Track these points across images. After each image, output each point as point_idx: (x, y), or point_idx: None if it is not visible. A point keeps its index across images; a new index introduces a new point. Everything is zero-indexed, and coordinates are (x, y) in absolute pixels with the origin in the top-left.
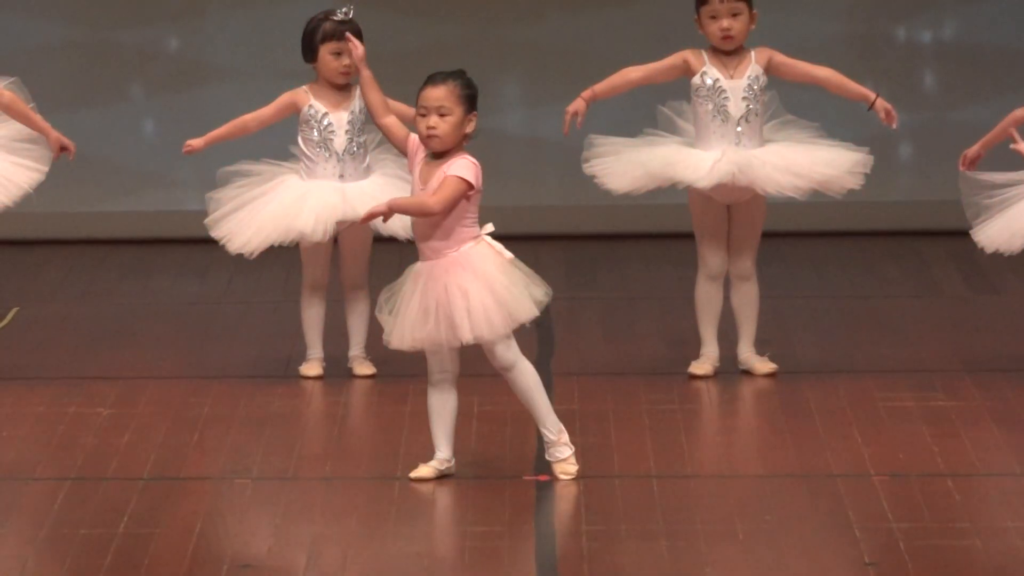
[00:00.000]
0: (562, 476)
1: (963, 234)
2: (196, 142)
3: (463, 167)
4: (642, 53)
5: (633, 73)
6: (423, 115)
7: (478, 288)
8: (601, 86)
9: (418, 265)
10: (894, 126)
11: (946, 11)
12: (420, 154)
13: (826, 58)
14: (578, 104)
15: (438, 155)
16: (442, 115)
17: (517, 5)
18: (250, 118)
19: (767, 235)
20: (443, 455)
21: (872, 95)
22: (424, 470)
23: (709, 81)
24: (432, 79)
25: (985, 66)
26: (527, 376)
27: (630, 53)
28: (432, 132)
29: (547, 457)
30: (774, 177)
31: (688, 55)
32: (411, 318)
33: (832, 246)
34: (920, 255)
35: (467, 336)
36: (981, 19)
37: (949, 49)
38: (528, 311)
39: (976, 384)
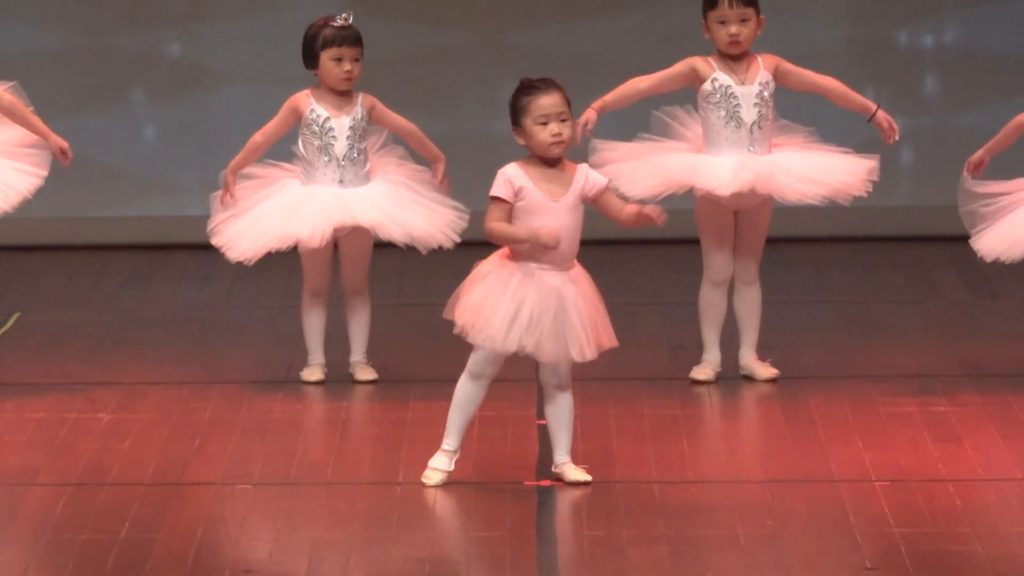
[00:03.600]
0: (579, 478)
1: (964, 239)
2: (229, 181)
3: (596, 174)
4: (642, 59)
5: (642, 83)
6: (544, 123)
7: (587, 308)
8: (610, 97)
9: (526, 269)
10: (893, 139)
11: (947, 16)
12: (520, 180)
13: (827, 62)
14: (589, 115)
15: (552, 163)
16: (563, 120)
17: (518, 11)
18: (259, 136)
19: (768, 240)
20: (453, 445)
21: (873, 106)
22: (436, 476)
23: (721, 87)
24: (542, 87)
25: (987, 71)
26: (572, 401)
27: (631, 59)
28: (559, 139)
29: (556, 469)
30: (795, 186)
31: (696, 62)
32: (520, 324)
33: (833, 251)
34: (921, 260)
35: (578, 356)
36: (983, 24)
37: (950, 54)
38: (613, 339)
39: (977, 389)
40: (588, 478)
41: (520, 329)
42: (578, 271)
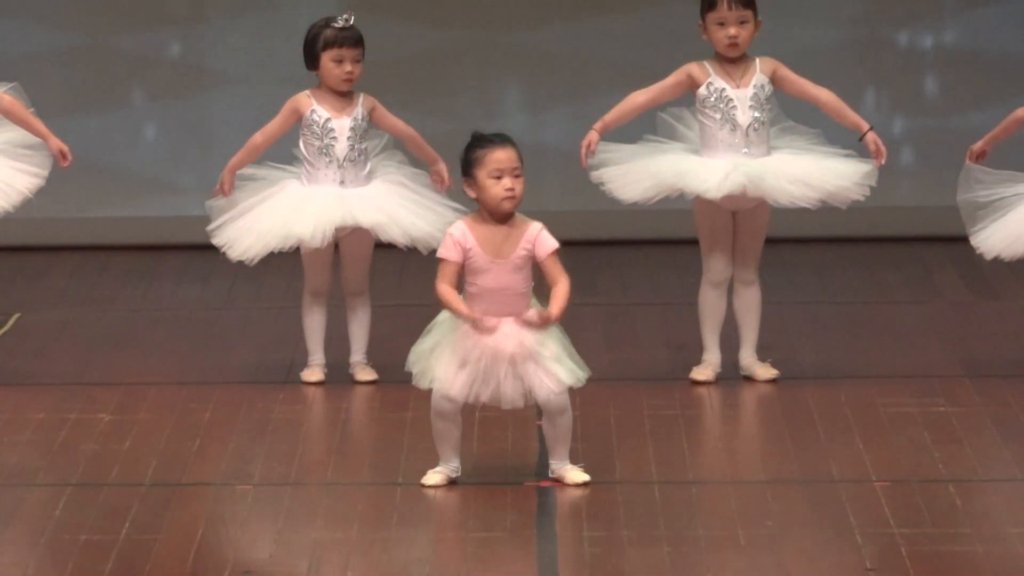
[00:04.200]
0: (578, 479)
1: (965, 239)
2: (226, 183)
3: (549, 238)
4: (643, 59)
5: (640, 97)
6: (497, 177)
7: (547, 344)
8: (611, 115)
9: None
10: (881, 162)
11: (948, 17)
12: (468, 241)
13: (828, 63)
14: (591, 136)
15: (502, 219)
16: (516, 176)
17: (519, 11)
18: (259, 137)
19: (769, 241)
20: (453, 465)
21: (865, 126)
22: (436, 476)
23: (716, 90)
24: (497, 141)
25: (987, 72)
26: (571, 418)
27: (631, 59)
28: (512, 194)
29: (553, 474)
30: (785, 188)
31: (691, 69)
32: (468, 373)
33: (834, 252)
34: (921, 260)
35: (546, 394)
36: (983, 25)
37: (951, 55)
38: (582, 368)
39: (978, 389)
40: (587, 477)
41: (469, 380)
42: (532, 313)
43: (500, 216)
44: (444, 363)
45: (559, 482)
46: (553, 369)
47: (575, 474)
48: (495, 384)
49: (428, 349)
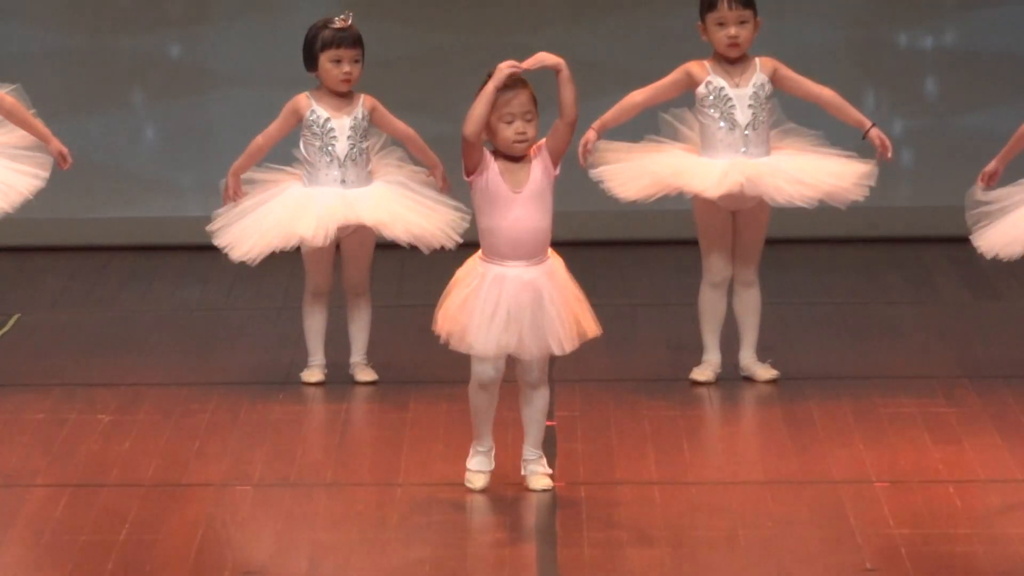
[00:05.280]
0: (543, 487)
1: (964, 240)
2: (232, 186)
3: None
4: (643, 61)
5: (638, 96)
6: (509, 121)
7: (563, 300)
8: (609, 115)
9: (496, 269)
10: (887, 156)
11: (947, 17)
12: (491, 162)
13: (827, 64)
14: (589, 135)
15: (515, 159)
16: (528, 120)
17: (518, 13)
18: (261, 139)
19: (768, 241)
20: (485, 445)
21: (868, 123)
22: (480, 479)
23: (715, 89)
24: (511, 85)
25: (986, 72)
26: (547, 397)
27: (631, 61)
28: (523, 138)
29: (525, 471)
30: (782, 188)
31: (691, 67)
32: (498, 325)
33: (833, 252)
34: (921, 261)
35: (558, 349)
36: (982, 25)
37: (950, 55)
38: (595, 327)
39: (977, 390)
40: (550, 484)
41: (498, 330)
42: (552, 263)
43: (513, 157)
44: (475, 320)
45: (559, 482)
46: (569, 325)
47: (540, 481)
48: (520, 332)
49: (456, 308)
